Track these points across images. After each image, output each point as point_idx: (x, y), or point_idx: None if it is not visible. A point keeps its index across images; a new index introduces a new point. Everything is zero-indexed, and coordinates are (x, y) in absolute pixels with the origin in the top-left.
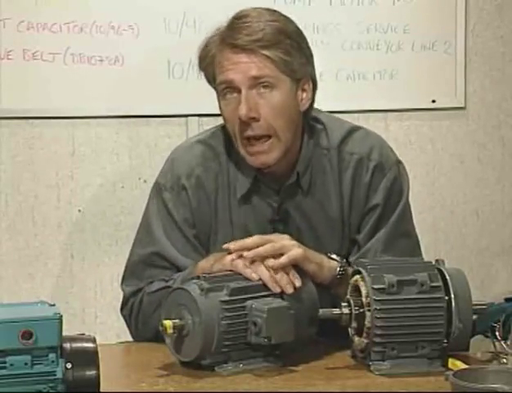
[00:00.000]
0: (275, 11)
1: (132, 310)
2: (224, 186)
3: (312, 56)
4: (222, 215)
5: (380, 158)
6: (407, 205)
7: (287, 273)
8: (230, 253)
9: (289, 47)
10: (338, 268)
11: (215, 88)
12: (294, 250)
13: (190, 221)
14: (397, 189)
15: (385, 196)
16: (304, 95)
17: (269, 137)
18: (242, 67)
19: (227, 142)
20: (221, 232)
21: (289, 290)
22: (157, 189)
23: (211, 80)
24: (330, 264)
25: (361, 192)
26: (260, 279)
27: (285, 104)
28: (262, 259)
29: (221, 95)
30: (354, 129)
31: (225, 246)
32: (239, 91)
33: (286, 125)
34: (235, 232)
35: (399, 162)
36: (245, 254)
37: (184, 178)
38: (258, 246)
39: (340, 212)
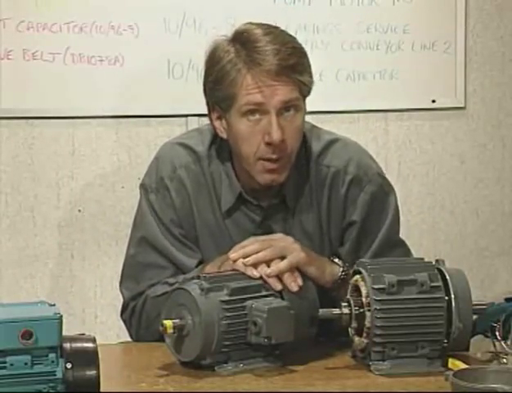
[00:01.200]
0: (272, 25)
1: (132, 314)
2: (209, 189)
3: None
4: (206, 220)
5: (357, 171)
6: (396, 217)
7: (290, 272)
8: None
9: (311, 70)
10: (340, 273)
11: (225, 107)
12: (296, 253)
13: (176, 222)
14: (380, 202)
15: (365, 211)
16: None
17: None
18: (273, 91)
19: (214, 148)
20: (206, 237)
21: (294, 288)
22: (144, 190)
23: (225, 98)
24: (332, 267)
25: (338, 206)
26: (261, 277)
27: (302, 125)
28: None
29: (241, 115)
30: (333, 141)
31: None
32: (263, 113)
33: (298, 145)
34: (219, 239)
35: (382, 175)
36: (245, 260)
37: (167, 179)
38: (258, 251)
39: (318, 225)
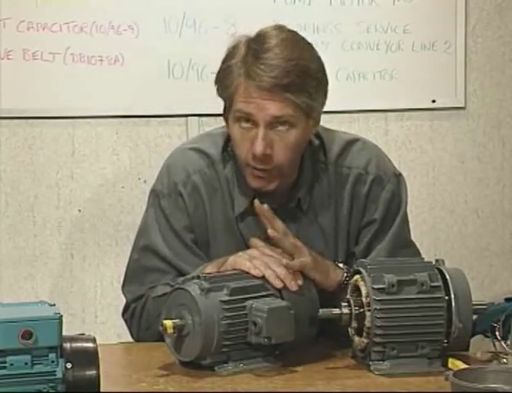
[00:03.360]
0: (297, 36)
1: (133, 315)
2: (223, 193)
3: (328, 83)
4: (219, 224)
5: (378, 171)
6: (406, 217)
7: (291, 272)
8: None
9: (314, 90)
10: (343, 277)
11: (227, 106)
12: (304, 257)
13: (188, 227)
14: (396, 201)
15: (384, 209)
16: (313, 122)
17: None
18: (264, 105)
19: (227, 150)
20: (218, 240)
21: (294, 287)
22: (154, 196)
23: (226, 98)
24: (336, 271)
25: (360, 206)
26: (263, 276)
27: (298, 141)
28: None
29: (235, 120)
30: (351, 142)
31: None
32: (254, 123)
33: (294, 160)
34: (232, 243)
35: (398, 174)
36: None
37: (180, 184)
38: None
39: (335, 225)
